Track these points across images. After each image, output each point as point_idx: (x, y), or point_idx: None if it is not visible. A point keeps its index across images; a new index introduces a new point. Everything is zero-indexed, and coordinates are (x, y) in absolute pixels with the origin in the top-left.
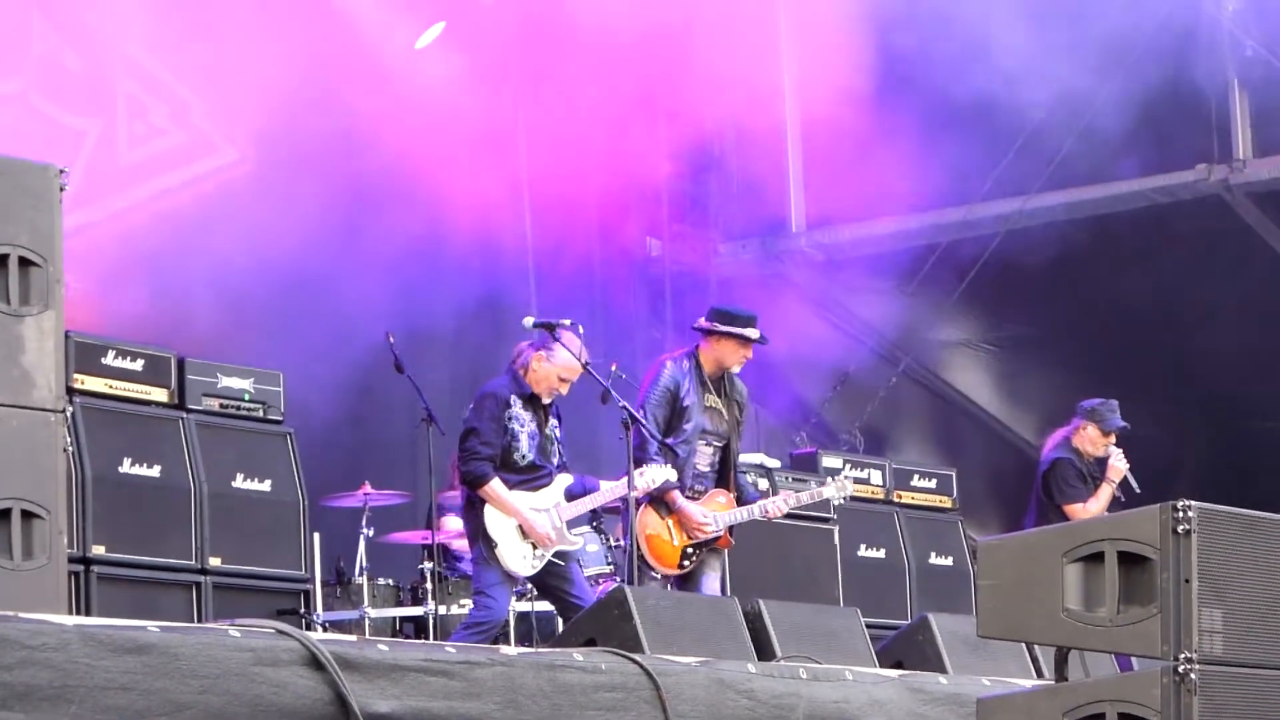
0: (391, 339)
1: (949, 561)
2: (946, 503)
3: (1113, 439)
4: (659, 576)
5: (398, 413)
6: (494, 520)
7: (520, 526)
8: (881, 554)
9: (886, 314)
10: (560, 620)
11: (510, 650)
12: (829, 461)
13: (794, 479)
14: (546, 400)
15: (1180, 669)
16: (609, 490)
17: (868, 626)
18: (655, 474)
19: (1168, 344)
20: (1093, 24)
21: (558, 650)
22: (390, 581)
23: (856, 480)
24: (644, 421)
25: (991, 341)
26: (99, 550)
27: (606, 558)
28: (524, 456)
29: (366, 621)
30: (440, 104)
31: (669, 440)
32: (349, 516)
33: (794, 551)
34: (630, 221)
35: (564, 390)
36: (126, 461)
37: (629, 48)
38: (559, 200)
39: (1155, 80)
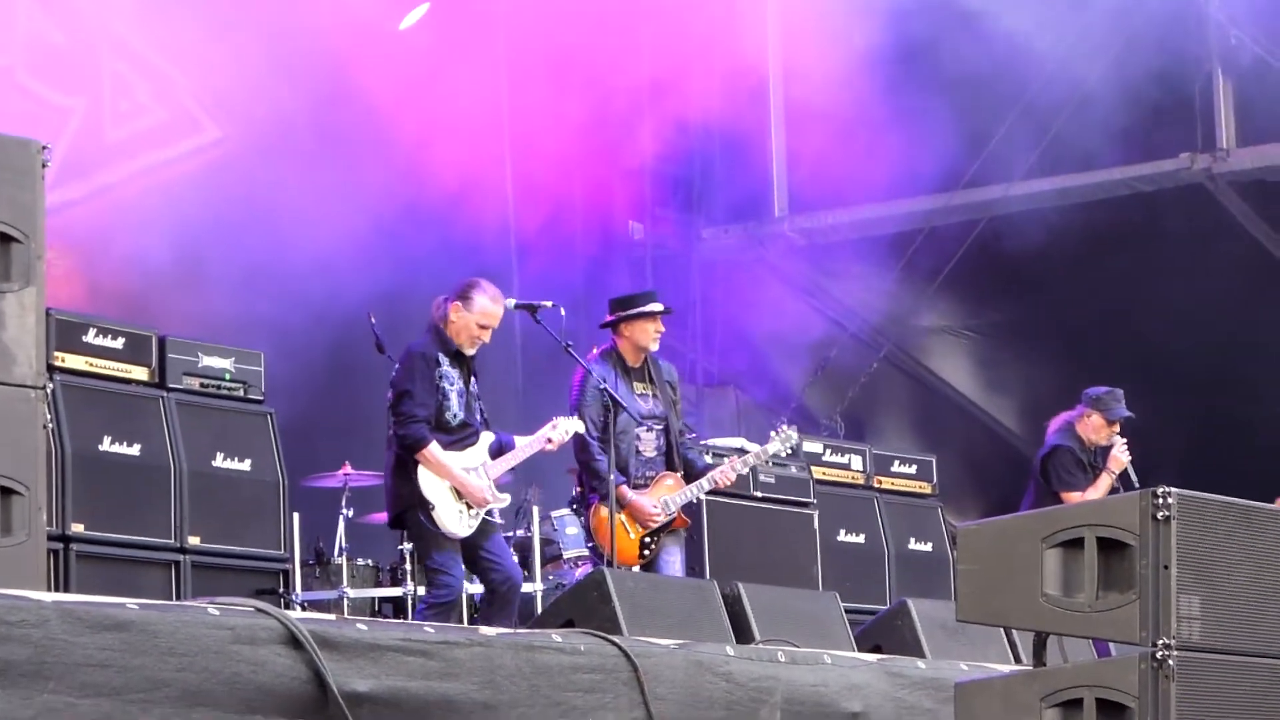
0: (373, 319)
1: (928, 547)
2: (926, 488)
3: (1116, 428)
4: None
5: (379, 393)
6: (428, 482)
7: (453, 488)
8: (861, 539)
9: (869, 299)
10: (481, 582)
11: (489, 631)
12: (809, 446)
13: (774, 463)
14: (470, 351)
15: (1158, 655)
16: (525, 446)
17: (846, 611)
18: (567, 425)
19: (1150, 332)
20: (1080, 11)
21: (536, 631)
22: (369, 562)
23: (836, 466)
24: (623, 403)
25: (973, 328)
26: (78, 528)
27: (586, 540)
28: (455, 415)
29: (345, 601)
30: (425, 83)
31: (604, 437)
32: (329, 497)
33: (773, 535)
34: (614, 204)
35: (485, 338)
36: (106, 440)
37: (615, 30)
38: (543, 182)
39: (1141, 68)
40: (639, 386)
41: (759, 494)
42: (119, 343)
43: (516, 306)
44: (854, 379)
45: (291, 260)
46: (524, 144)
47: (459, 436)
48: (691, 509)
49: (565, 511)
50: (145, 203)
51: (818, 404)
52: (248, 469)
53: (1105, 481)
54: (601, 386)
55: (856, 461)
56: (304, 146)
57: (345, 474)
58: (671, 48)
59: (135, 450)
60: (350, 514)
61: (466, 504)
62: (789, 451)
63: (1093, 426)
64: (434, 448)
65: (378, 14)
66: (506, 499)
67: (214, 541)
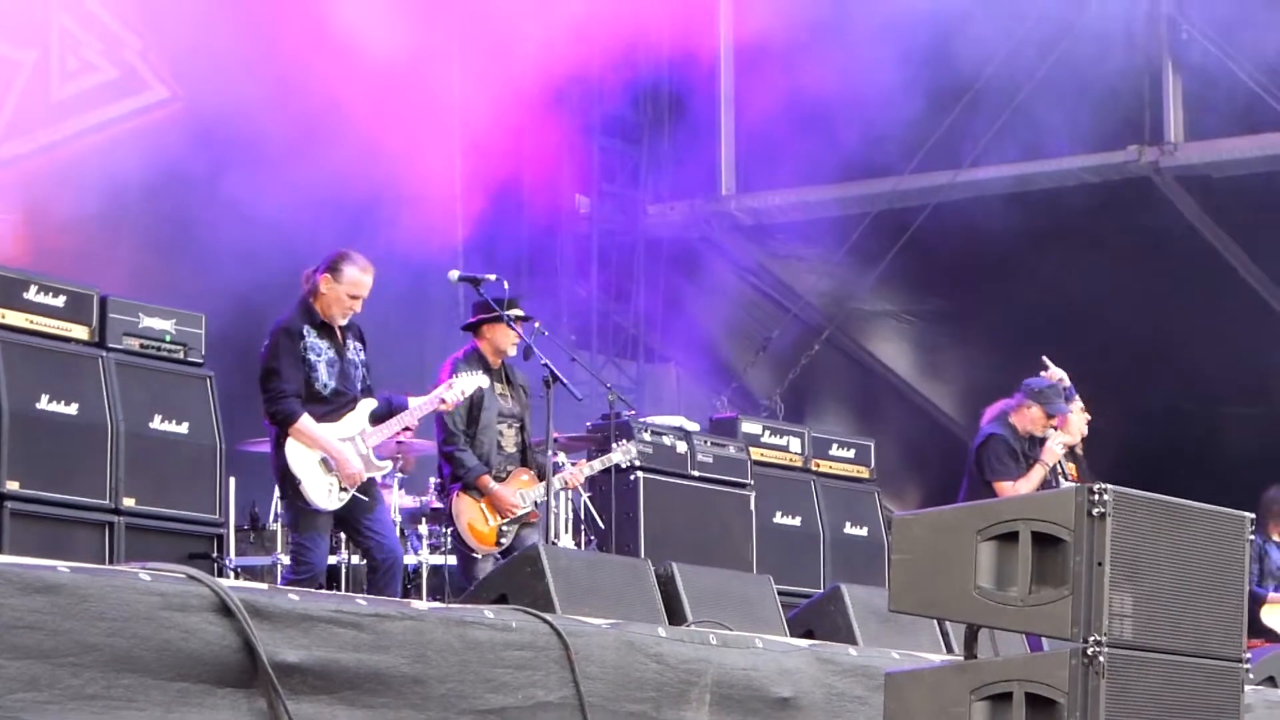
0: None
1: (864, 532)
2: (864, 473)
3: (1055, 422)
4: (480, 557)
5: None
6: (296, 455)
7: (322, 459)
8: (797, 522)
9: (812, 281)
10: (362, 556)
11: (421, 605)
12: (748, 427)
13: (712, 442)
14: (342, 322)
15: (1089, 651)
16: (418, 407)
17: (780, 594)
18: (466, 383)
19: (1090, 323)
20: (1033, 0)
21: (468, 606)
22: None
23: (775, 447)
24: (564, 379)
25: (916, 313)
26: (13, 486)
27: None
28: (325, 385)
29: (279, 568)
30: (375, 50)
31: (469, 430)
32: (266, 462)
33: (710, 516)
34: (560, 178)
35: (356, 308)
36: (44, 398)
37: (566, 4)
38: (490, 153)
39: (1091, 60)
40: (499, 387)
41: (696, 473)
42: (60, 301)
43: (460, 279)
44: (795, 360)
45: (235, 223)
46: (472, 115)
47: (333, 406)
48: (629, 486)
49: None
50: (90, 161)
51: (758, 384)
52: (185, 432)
53: (1038, 473)
54: (544, 362)
55: (795, 444)
56: (250, 110)
57: None
58: (621, 24)
59: (73, 409)
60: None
61: (336, 477)
62: (629, 464)
63: (1030, 418)
64: (305, 421)
65: None
66: (387, 466)
67: (149, 504)
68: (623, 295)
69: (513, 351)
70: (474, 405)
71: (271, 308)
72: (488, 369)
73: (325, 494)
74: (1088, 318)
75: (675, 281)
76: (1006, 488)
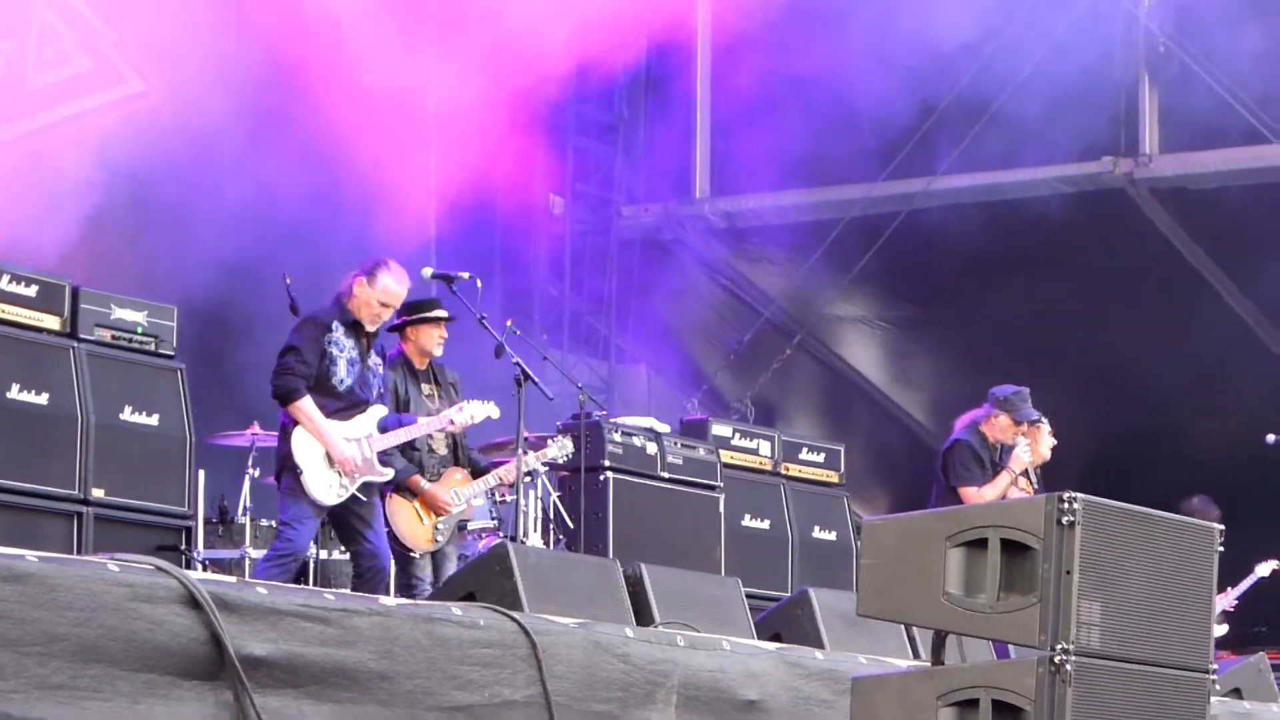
0: (289, 281)
1: (832, 536)
2: (833, 477)
3: (1023, 429)
4: (418, 556)
5: None
6: (301, 445)
7: (328, 454)
8: (766, 525)
9: (785, 286)
10: (350, 558)
11: (389, 601)
12: (718, 429)
13: (682, 444)
14: (370, 328)
15: (1056, 659)
16: (426, 424)
17: (748, 597)
18: (473, 409)
19: (1061, 333)
20: (1011, 10)
21: (436, 604)
22: (273, 523)
23: (746, 450)
24: (535, 378)
25: (888, 320)
26: None
27: (491, 512)
28: (342, 381)
29: (247, 562)
30: (353, 50)
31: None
32: (236, 455)
33: (679, 518)
34: (535, 178)
35: (386, 316)
36: (15, 387)
37: (544, 4)
38: (466, 153)
39: (1068, 71)
40: (426, 388)
41: (665, 475)
42: (32, 290)
43: (433, 276)
44: (766, 364)
45: (209, 217)
46: (449, 114)
47: (345, 404)
48: (598, 487)
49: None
50: (64, 152)
51: (729, 387)
52: (155, 424)
53: (1004, 479)
54: (396, 389)
55: (765, 447)
56: (226, 105)
57: (253, 433)
58: (598, 24)
59: (43, 399)
60: (256, 474)
61: (339, 472)
62: (565, 458)
63: (999, 426)
64: (306, 402)
65: None
66: (389, 473)
67: (118, 495)
68: (595, 296)
69: (438, 351)
70: (401, 408)
71: (242, 302)
72: (413, 371)
73: (326, 488)
74: (1059, 328)
75: (648, 283)
76: (971, 493)
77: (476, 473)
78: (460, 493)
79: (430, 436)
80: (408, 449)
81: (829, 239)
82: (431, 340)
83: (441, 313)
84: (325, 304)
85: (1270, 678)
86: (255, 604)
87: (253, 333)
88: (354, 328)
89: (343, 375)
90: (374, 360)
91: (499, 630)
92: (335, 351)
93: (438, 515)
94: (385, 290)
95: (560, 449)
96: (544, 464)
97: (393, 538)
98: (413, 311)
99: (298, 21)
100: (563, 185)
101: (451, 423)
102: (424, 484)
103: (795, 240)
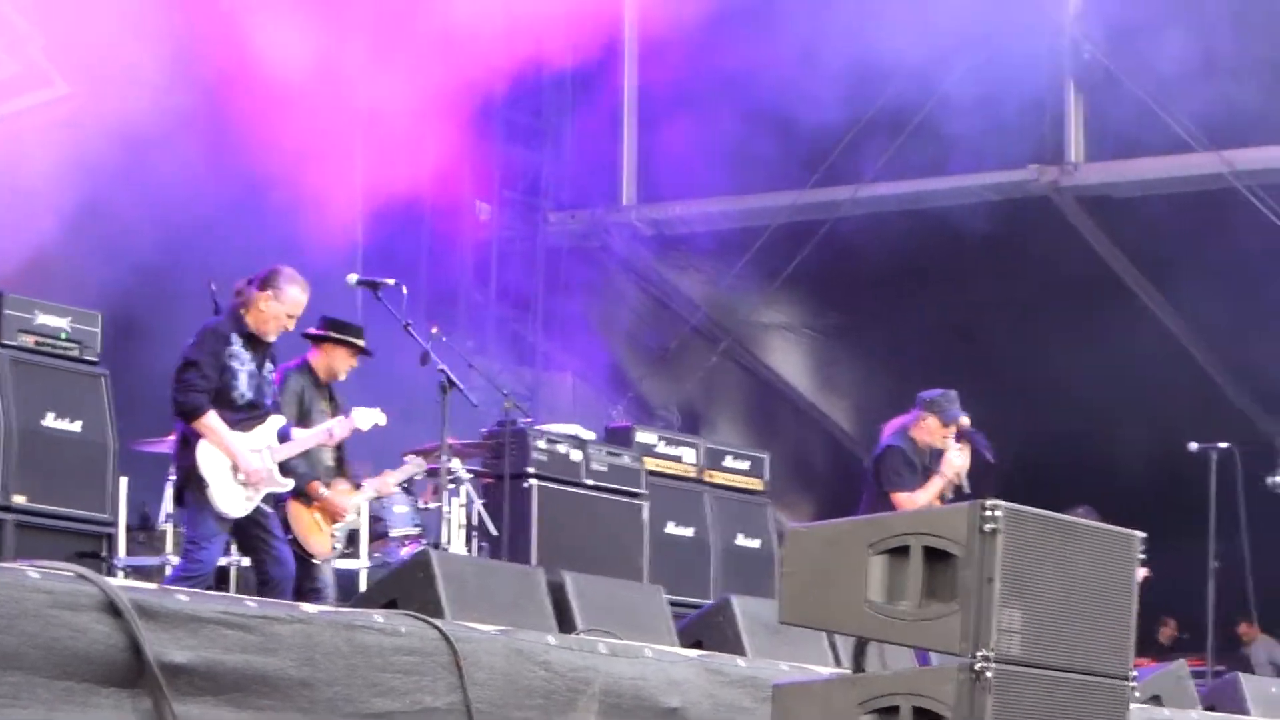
0: (214, 287)
1: (755, 544)
2: (757, 485)
3: (953, 431)
4: (319, 562)
5: None
6: (206, 459)
7: (233, 466)
8: (689, 532)
9: (711, 293)
10: (255, 568)
11: (310, 608)
12: (643, 436)
13: (606, 451)
14: (273, 338)
15: (977, 666)
16: (309, 436)
17: (670, 604)
18: (362, 419)
19: (987, 341)
20: (937, 18)
21: (358, 610)
22: None
23: (669, 458)
24: (460, 385)
25: (813, 327)
26: None
27: (414, 519)
28: (242, 395)
29: (168, 569)
30: (279, 52)
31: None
32: (159, 462)
33: (602, 525)
34: (461, 184)
35: (291, 326)
36: None
37: (471, 9)
38: (391, 159)
39: (994, 79)
40: (322, 404)
41: (590, 482)
42: None
43: (359, 283)
44: (692, 372)
45: (134, 222)
46: (375, 120)
47: (245, 416)
48: (522, 493)
49: (394, 490)
50: None
51: (654, 394)
52: (78, 430)
53: (936, 484)
54: (301, 395)
55: (689, 454)
56: (152, 108)
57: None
58: (524, 32)
59: None
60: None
61: (243, 483)
62: (420, 476)
63: (928, 429)
64: (212, 417)
65: None
66: (290, 483)
67: (40, 501)
68: (521, 303)
69: (343, 377)
70: (304, 416)
71: (166, 307)
72: (316, 383)
73: (233, 501)
74: (985, 336)
75: (574, 290)
76: (903, 499)
77: (357, 486)
78: (352, 500)
79: (323, 447)
80: (305, 454)
81: (755, 246)
82: (344, 364)
83: (362, 344)
84: (220, 316)
85: (1190, 685)
86: (176, 611)
87: (176, 338)
88: (251, 339)
89: (243, 389)
90: (268, 369)
91: (420, 637)
92: (236, 365)
93: (333, 522)
94: (294, 302)
95: (416, 467)
96: (400, 485)
97: (295, 544)
98: (340, 331)
99: (226, 29)
100: (489, 191)
101: (331, 434)
102: (323, 490)
103: (721, 247)
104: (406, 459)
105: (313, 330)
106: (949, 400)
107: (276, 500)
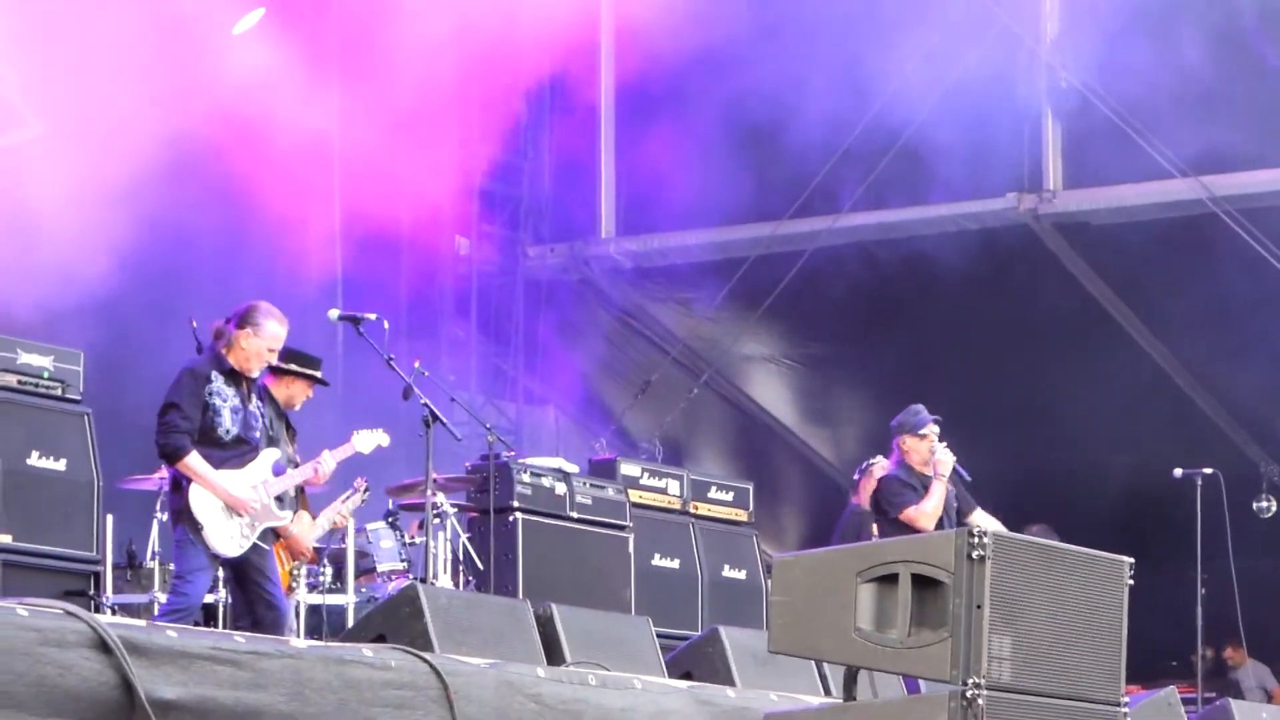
0: (195, 324)
1: (742, 575)
2: (742, 516)
3: (933, 437)
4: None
5: None
6: (199, 500)
7: (225, 506)
8: (675, 564)
9: (692, 325)
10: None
11: (299, 643)
12: (627, 469)
13: (591, 484)
14: (255, 374)
15: (968, 694)
16: (296, 474)
17: (658, 636)
18: (368, 439)
19: (968, 370)
20: (914, 46)
21: (347, 645)
22: None
23: (654, 490)
24: (444, 419)
25: (795, 358)
26: None
27: (400, 554)
28: (228, 431)
29: (156, 606)
30: (256, 89)
31: None
32: (144, 500)
33: (588, 557)
34: (441, 219)
35: (272, 360)
36: None
37: (447, 44)
38: (371, 194)
39: (972, 107)
40: (283, 433)
41: (575, 515)
42: None
43: (340, 318)
44: (674, 403)
45: (114, 261)
46: (353, 154)
47: (234, 453)
48: (507, 527)
49: (380, 524)
50: None
51: (637, 427)
52: (63, 469)
53: (938, 488)
54: (424, 402)
55: (674, 486)
56: (128, 147)
57: (161, 477)
58: (503, 66)
59: None
60: (165, 518)
61: (240, 523)
62: (362, 502)
63: (911, 448)
64: (194, 458)
65: (212, 18)
66: (288, 516)
67: (25, 540)
68: (502, 337)
69: (298, 407)
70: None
71: (149, 345)
72: (276, 412)
73: (228, 540)
74: (966, 365)
75: (554, 323)
76: (912, 513)
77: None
78: (313, 534)
79: None
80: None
81: (735, 277)
82: (302, 395)
83: (319, 375)
84: (200, 355)
85: (1180, 711)
86: (165, 647)
87: (159, 375)
88: (233, 375)
89: (228, 425)
90: (255, 404)
91: (410, 671)
92: (218, 402)
93: (294, 559)
94: (274, 336)
95: (361, 496)
96: (350, 513)
97: None
98: (300, 364)
99: (201, 66)
100: (468, 226)
101: (315, 473)
102: (291, 528)
103: (701, 279)
104: (356, 484)
105: (276, 363)
106: (913, 413)
107: None
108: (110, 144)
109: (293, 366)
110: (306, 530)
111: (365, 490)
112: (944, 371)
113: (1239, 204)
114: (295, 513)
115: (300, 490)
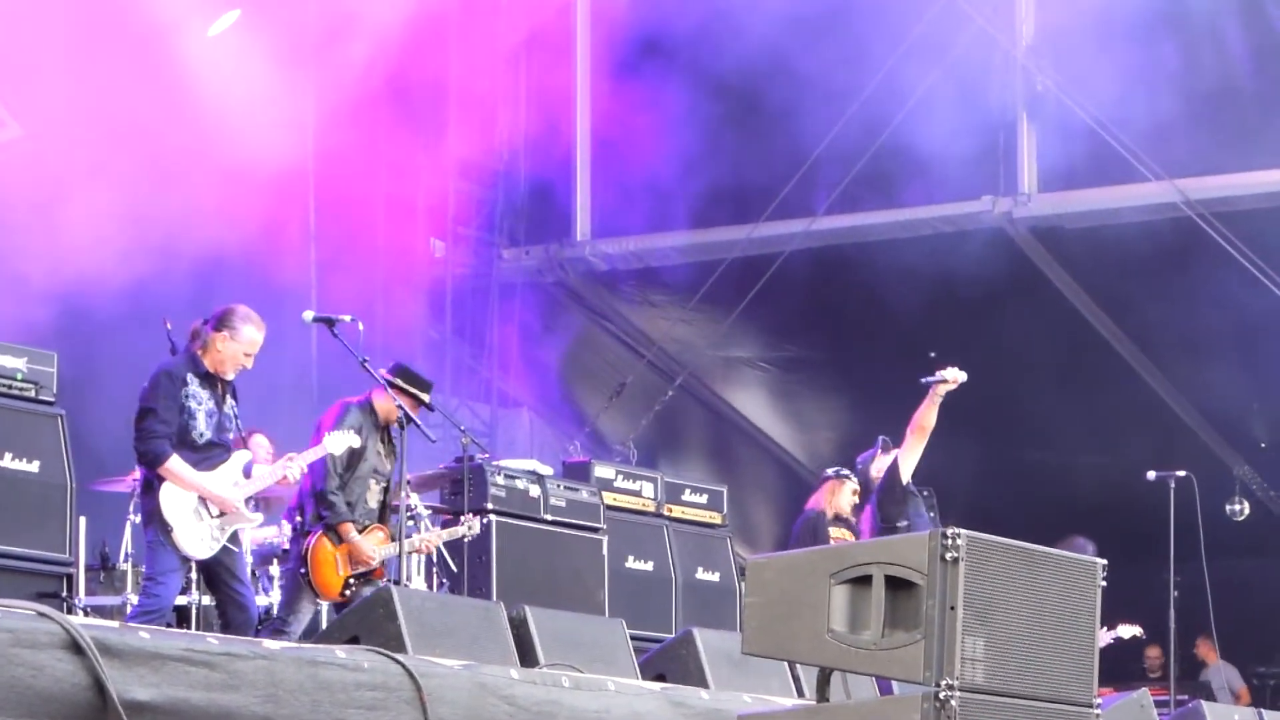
0: (169, 326)
1: (716, 577)
2: (716, 518)
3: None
4: (320, 605)
5: None
6: (170, 502)
7: (197, 508)
8: (649, 566)
9: (666, 327)
10: (218, 608)
11: (273, 644)
12: (601, 471)
13: (565, 486)
14: (230, 376)
15: (941, 695)
16: (267, 474)
17: (632, 638)
18: (339, 440)
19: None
20: (889, 50)
21: (320, 646)
22: None
23: (628, 492)
24: (419, 422)
25: (770, 361)
26: None
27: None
28: (202, 435)
29: (129, 608)
30: (231, 91)
31: (344, 476)
32: (118, 501)
33: (562, 559)
34: (416, 221)
35: (249, 364)
36: None
37: (422, 48)
38: (345, 196)
39: (948, 110)
40: (381, 447)
41: (549, 517)
42: None
43: (315, 319)
44: (649, 406)
45: (89, 263)
46: (328, 157)
47: (206, 455)
48: (482, 530)
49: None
50: None
51: (612, 430)
52: (35, 470)
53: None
54: (359, 431)
55: (648, 489)
56: (106, 149)
57: (134, 479)
58: (479, 68)
59: None
60: (138, 520)
61: (210, 525)
62: (472, 536)
63: (880, 463)
64: (174, 462)
65: (188, 20)
66: (258, 518)
67: None
68: (476, 339)
69: (395, 424)
70: (355, 454)
71: (125, 346)
72: (375, 423)
73: (198, 542)
74: (941, 367)
75: (529, 326)
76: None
77: (394, 537)
78: (379, 551)
79: (367, 487)
80: (346, 491)
81: (710, 281)
82: (396, 414)
83: (427, 399)
84: (174, 357)
85: (1153, 714)
86: (138, 649)
87: (132, 377)
88: (208, 377)
89: (203, 429)
90: (229, 406)
91: (383, 673)
92: (194, 405)
93: (354, 569)
94: (250, 341)
95: (469, 528)
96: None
97: (306, 578)
98: (411, 381)
99: (178, 68)
100: (443, 229)
101: (285, 478)
102: (354, 534)
103: (676, 282)
104: (465, 521)
105: (385, 374)
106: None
107: (304, 533)
108: (80, 146)
109: (401, 383)
110: (377, 545)
111: (470, 529)
112: (918, 374)
113: (1214, 208)
114: (374, 526)
115: (387, 503)
